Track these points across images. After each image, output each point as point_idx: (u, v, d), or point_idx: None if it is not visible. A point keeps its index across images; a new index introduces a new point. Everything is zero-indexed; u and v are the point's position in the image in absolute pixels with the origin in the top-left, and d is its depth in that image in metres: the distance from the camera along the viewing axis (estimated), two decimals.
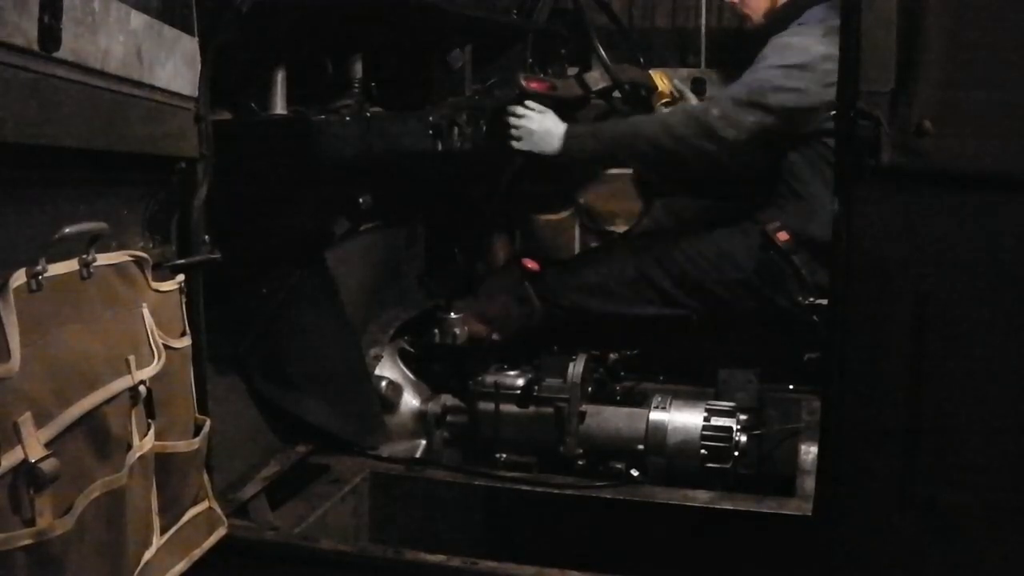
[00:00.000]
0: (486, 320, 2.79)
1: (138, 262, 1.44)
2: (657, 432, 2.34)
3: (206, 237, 1.66)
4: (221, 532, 1.67)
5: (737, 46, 3.22)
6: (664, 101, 2.92)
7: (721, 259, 2.66)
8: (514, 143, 2.63)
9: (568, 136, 2.62)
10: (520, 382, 2.41)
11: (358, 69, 2.09)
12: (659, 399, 2.41)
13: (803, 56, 2.53)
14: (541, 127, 2.61)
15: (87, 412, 1.22)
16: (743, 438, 2.32)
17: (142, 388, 1.36)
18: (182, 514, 1.56)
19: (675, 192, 3.07)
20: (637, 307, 2.71)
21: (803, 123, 2.55)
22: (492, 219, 3.13)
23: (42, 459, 1.12)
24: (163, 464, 1.46)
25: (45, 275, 1.17)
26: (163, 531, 1.49)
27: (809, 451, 2.23)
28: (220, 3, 1.63)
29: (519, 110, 2.62)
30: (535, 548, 1.98)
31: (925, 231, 1.47)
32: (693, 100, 2.94)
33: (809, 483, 2.06)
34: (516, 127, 2.61)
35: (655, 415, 2.36)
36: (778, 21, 2.74)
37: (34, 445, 1.11)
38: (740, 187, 2.83)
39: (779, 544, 1.93)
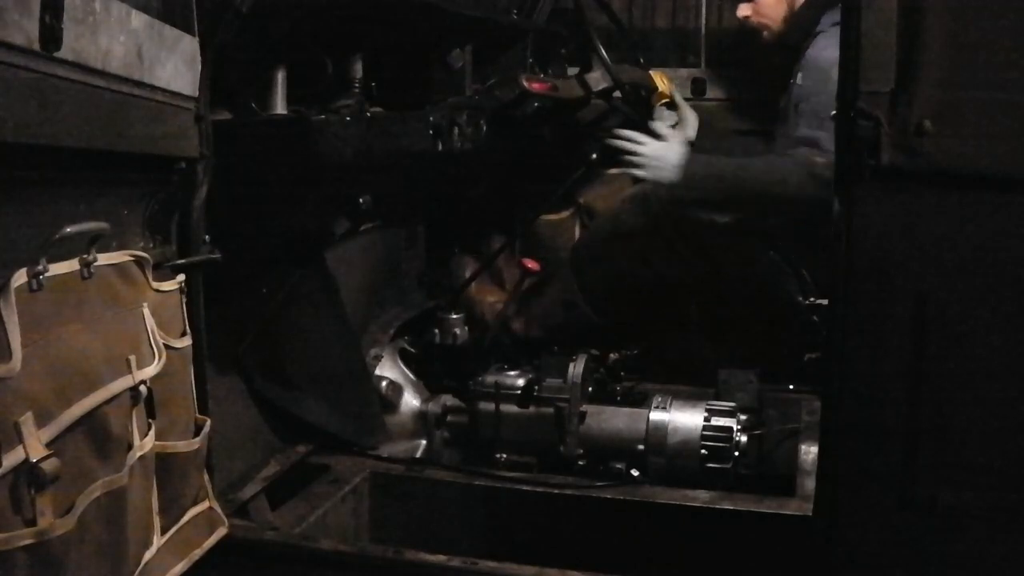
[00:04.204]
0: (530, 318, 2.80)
1: (139, 262, 1.44)
2: (657, 432, 2.34)
3: (206, 237, 1.67)
4: (221, 532, 1.67)
5: (737, 46, 3.22)
6: (664, 102, 2.92)
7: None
8: (634, 170, 2.61)
9: (687, 171, 2.55)
10: (520, 382, 2.41)
11: (358, 69, 2.08)
12: (659, 399, 2.40)
13: None
14: (659, 154, 2.57)
15: (88, 412, 1.23)
16: (743, 438, 2.32)
17: (143, 388, 1.37)
18: (182, 514, 1.56)
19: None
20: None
21: None
22: (493, 219, 3.13)
23: (43, 459, 1.12)
24: (163, 464, 1.46)
25: (46, 275, 1.17)
26: (163, 531, 1.49)
27: (809, 451, 2.23)
28: (220, 3, 1.63)
29: (639, 137, 2.59)
30: (535, 548, 1.98)
31: (925, 231, 1.47)
32: (686, 106, 2.93)
33: (809, 483, 2.06)
34: (636, 153, 2.58)
35: (655, 415, 2.36)
36: (799, 28, 2.71)
37: (35, 445, 1.12)
38: None
39: (779, 544, 1.93)
